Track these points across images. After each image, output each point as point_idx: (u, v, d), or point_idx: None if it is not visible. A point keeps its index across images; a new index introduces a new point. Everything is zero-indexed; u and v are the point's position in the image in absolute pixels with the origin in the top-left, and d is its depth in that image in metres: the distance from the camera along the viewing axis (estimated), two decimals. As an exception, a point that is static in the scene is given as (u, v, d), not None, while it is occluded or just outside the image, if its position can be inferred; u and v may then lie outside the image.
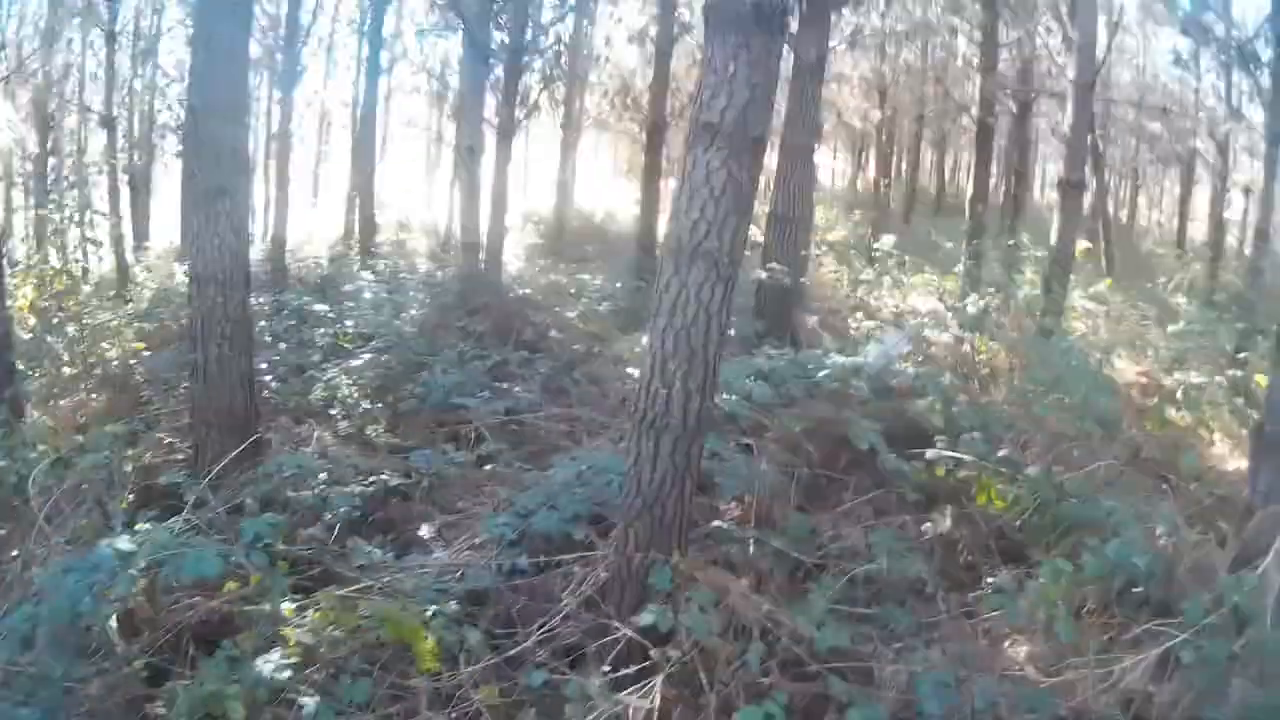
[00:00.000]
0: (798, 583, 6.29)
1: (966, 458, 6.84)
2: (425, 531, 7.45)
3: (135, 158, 20.94)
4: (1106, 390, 8.02)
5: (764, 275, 11.27)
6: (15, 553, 6.63)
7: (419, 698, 5.30)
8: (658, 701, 5.15)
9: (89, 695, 5.32)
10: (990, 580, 6.10)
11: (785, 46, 5.67)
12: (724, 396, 7.42)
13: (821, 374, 8.09)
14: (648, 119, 17.43)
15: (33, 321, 10.70)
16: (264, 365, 9.56)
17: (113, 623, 5.48)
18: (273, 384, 9.91)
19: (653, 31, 18.28)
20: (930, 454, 6.87)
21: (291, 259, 16.53)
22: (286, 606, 5.52)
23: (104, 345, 10.73)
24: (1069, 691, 5.15)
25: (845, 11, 18.53)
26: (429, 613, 5.58)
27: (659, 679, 5.23)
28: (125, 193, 20.53)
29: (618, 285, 14.49)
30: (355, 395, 9.54)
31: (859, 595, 6.05)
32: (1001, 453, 7.03)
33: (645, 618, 5.39)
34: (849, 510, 7.00)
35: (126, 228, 19.21)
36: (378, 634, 5.47)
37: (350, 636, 5.56)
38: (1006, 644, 5.83)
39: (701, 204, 5.31)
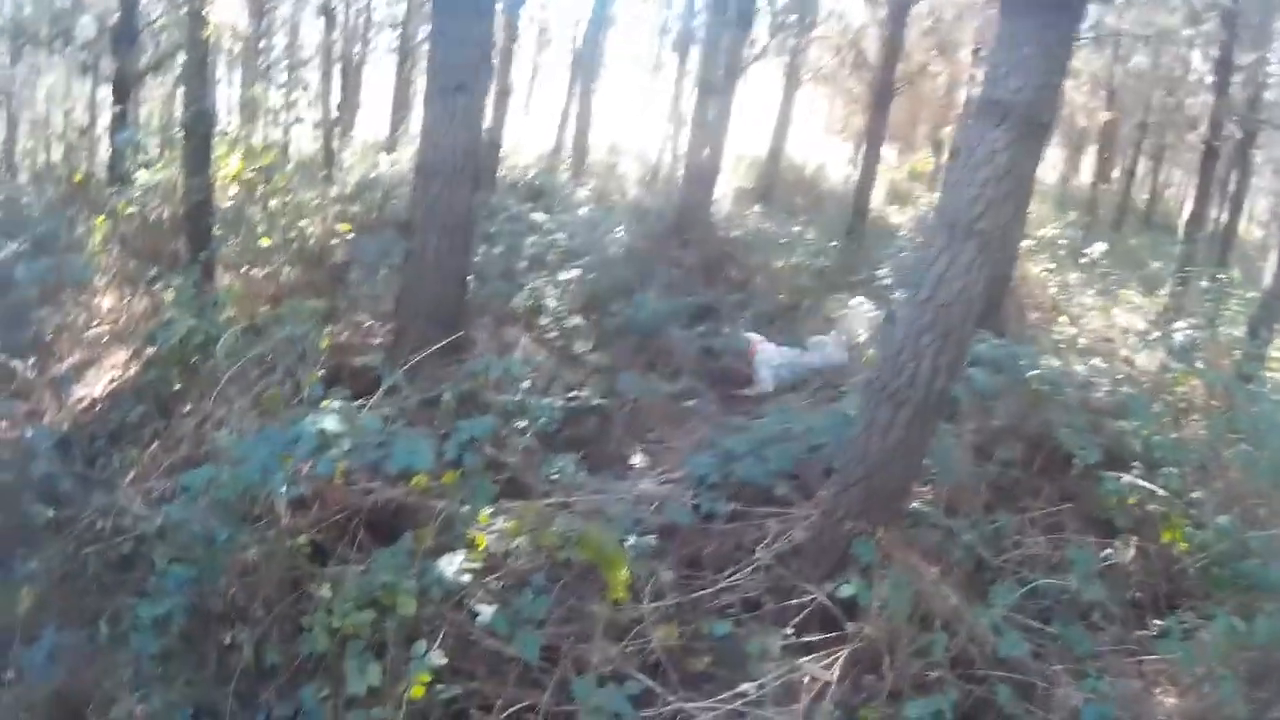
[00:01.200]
0: (979, 581, 5.95)
1: (1161, 492, 6.39)
2: (633, 458, 7.39)
3: (350, 50, 21.10)
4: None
5: None
6: (188, 407, 6.81)
7: (595, 625, 5.15)
8: (837, 674, 4.96)
9: (245, 561, 5.38)
10: (1158, 622, 5.66)
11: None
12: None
13: (1032, 373, 7.63)
14: (875, 80, 16.73)
15: (235, 190, 10.81)
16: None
17: (283, 492, 5.42)
18: (476, 284, 9.74)
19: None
20: (1126, 479, 6.42)
21: (502, 165, 16.43)
22: (483, 513, 5.40)
23: (304, 222, 10.80)
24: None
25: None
26: (627, 540, 5.42)
27: (845, 651, 5.06)
28: (337, 81, 20.69)
29: (831, 244, 13.99)
30: (563, 308, 9.39)
31: (1033, 607, 5.70)
32: (1195, 494, 6.55)
33: (846, 589, 5.22)
34: (1035, 519, 6.58)
35: (335, 114, 19.44)
36: (568, 554, 5.33)
37: (538, 551, 5.48)
38: (1158, 690, 5.43)
39: (982, 182, 5.05)
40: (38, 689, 5.10)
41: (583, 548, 5.13)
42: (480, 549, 5.27)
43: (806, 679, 4.93)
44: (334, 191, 13.00)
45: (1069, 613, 5.67)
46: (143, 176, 11.22)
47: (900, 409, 5.35)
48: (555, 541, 5.31)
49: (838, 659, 5.02)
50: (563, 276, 10.36)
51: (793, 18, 18.96)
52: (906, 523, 5.86)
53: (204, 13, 10.01)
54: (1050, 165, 29.35)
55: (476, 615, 5.00)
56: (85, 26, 13.49)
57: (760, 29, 17.53)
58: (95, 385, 8.33)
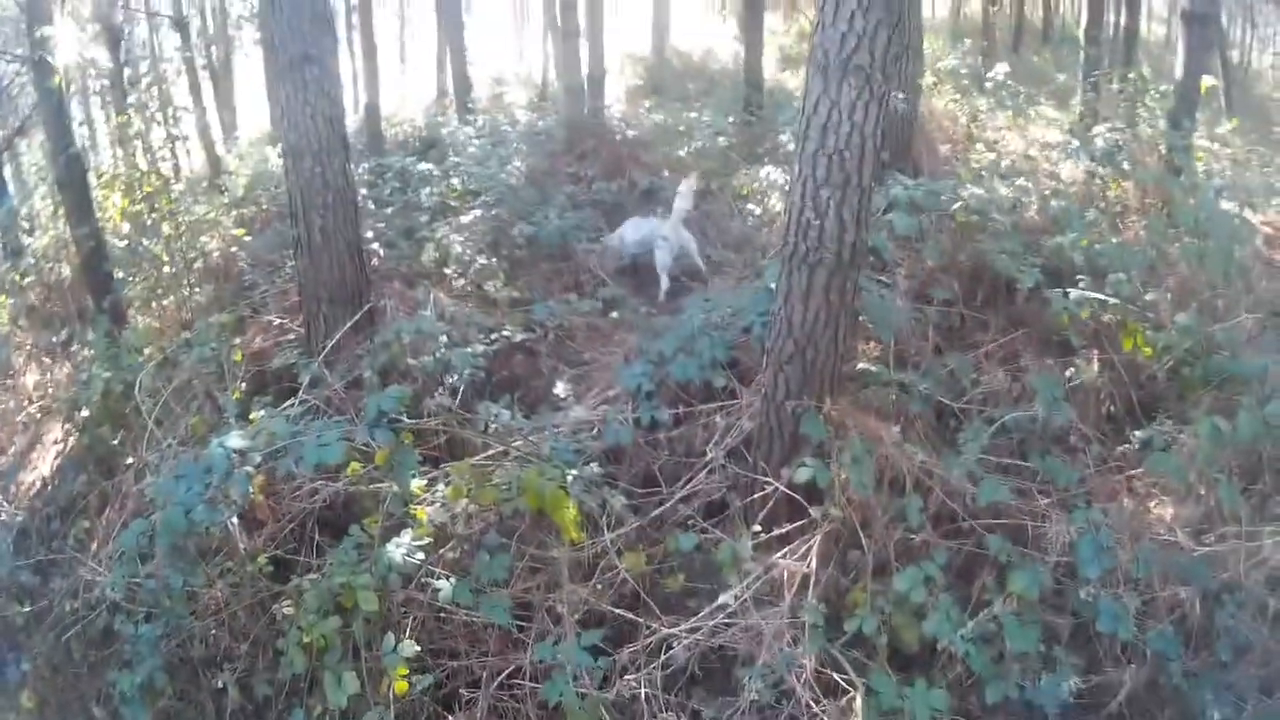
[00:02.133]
0: (944, 430, 5.84)
1: (1112, 300, 6.15)
2: (556, 388, 7.10)
3: (212, 53, 20.35)
4: (1247, 238, 7.23)
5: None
6: (129, 461, 6.51)
7: (560, 569, 4.97)
8: (814, 564, 4.77)
9: (214, 600, 5.19)
10: (1137, 434, 5.53)
11: None
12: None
13: (956, 206, 7.35)
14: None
15: (127, 229, 10.42)
16: (369, 234, 9.07)
17: (234, 521, 5.26)
18: (381, 251, 9.35)
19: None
20: (1074, 294, 6.17)
21: (387, 125, 15.88)
22: (416, 484, 5.16)
23: (203, 239, 10.40)
24: (1220, 563, 4.72)
25: None
26: (568, 478, 5.16)
27: (816, 538, 4.86)
28: (207, 89, 19.96)
29: (729, 120, 13.54)
30: (468, 252, 9.03)
31: (1004, 446, 5.58)
32: (1148, 297, 6.36)
33: (802, 473, 4.96)
34: (989, 353, 6.41)
35: (213, 119, 18.92)
36: (514, 505, 5.09)
37: (485, 510, 5.25)
38: (1153, 504, 5.35)
39: (849, 14, 4.71)
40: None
41: (525, 495, 4.88)
42: (423, 525, 5.03)
43: (786, 575, 4.74)
44: (225, 199, 12.51)
45: (1043, 444, 5.56)
46: (32, 243, 10.78)
47: (815, 271, 5.07)
48: (496, 496, 5.08)
49: (811, 547, 4.83)
50: (464, 220, 9.94)
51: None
52: (854, 387, 5.67)
53: (48, 58, 9.48)
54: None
55: (438, 592, 4.77)
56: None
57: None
58: (41, 466, 8.12)
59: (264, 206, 11.99)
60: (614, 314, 8.14)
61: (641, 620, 4.79)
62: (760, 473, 5.29)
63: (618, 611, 4.89)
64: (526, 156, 12.74)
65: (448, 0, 18.94)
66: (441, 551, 5.08)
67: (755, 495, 5.23)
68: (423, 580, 4.90)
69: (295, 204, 7.44)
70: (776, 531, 4.98)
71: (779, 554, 4.84)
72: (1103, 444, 5.68)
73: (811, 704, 4.32)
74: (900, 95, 9.79)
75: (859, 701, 4.32)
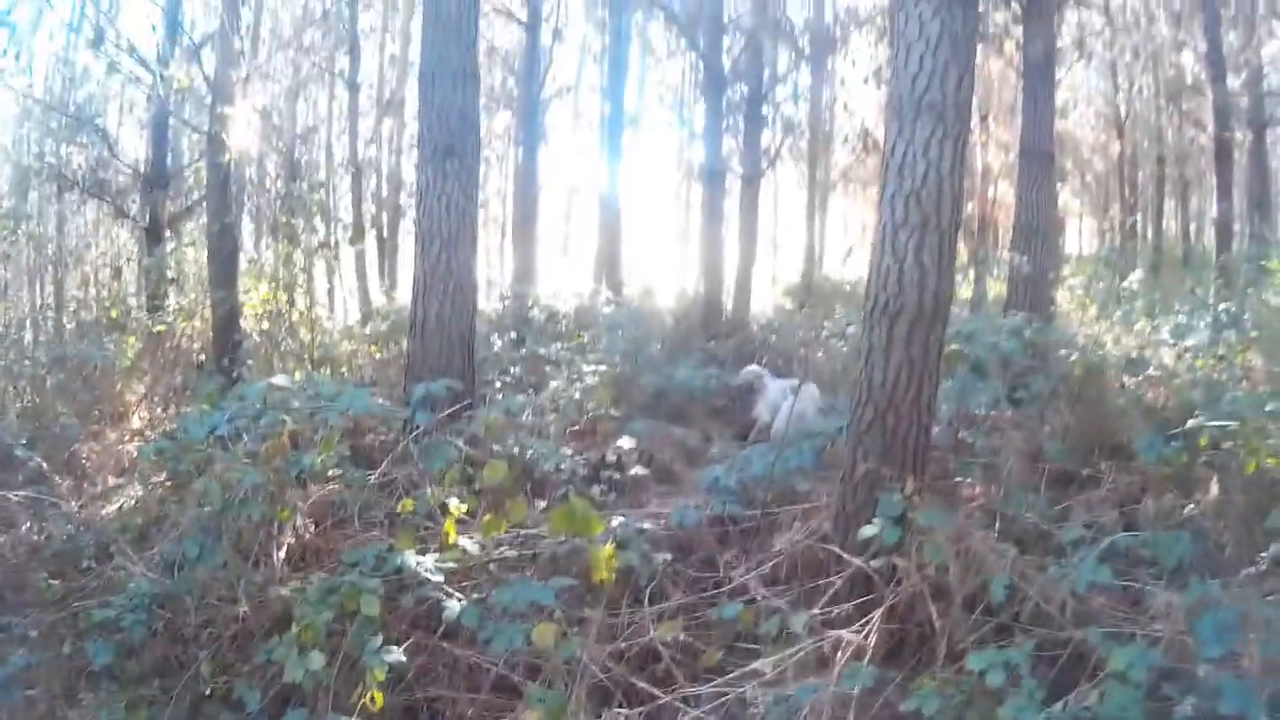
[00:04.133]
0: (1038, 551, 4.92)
1: (1231, 424, 5.31)
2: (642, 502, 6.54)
3: (381, 215, 20.82)
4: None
5: (1012, 263, 10.16)
6: None
7: (589, 627, 4.28)
8: (874, 638, 4.01)
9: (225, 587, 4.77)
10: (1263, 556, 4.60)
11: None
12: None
13: (1074, 358, 6.94)
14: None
15: (261, 315, 10.52)
16: (495, 382, 8.91)
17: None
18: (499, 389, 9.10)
19: (887, 73, 16.89)
20: (1191, 423, 5.38)
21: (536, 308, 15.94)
22: (455, 505, 4.68)
23: (331, 340, 10.37)
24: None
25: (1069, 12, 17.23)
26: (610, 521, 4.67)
27: (878, 612, 4.13)
28: (371, 250, 20.17)
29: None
30: (585, 399, 8.67)
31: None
32: (1269, 407, 5.50)
33: (867, 530, 4.39)
34: (1104, 498, 5.63)
35: (373, 276, 19.20)
36: (552, 551, 4.64)
37: (522, 557, 4.81)
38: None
39: (919, 56, 4.66)
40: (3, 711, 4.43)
41: (559, 521, 4.26)
42: (453, 545, 4.46)
43: (843, 645, 3.98)
44: (368, 329, 12.58)
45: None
46: (172, 300, 10.89)
47: (895, 322, 4.71)
48: (524, 514, 4.54)
49: (872, 621, 4.07)
50: (587, 369, 9.58)
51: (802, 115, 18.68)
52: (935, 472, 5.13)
53: (223, 135, 9.98)
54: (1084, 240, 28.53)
55: (444, 610, 4.14)
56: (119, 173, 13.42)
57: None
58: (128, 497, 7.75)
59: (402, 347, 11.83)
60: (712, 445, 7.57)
61: (663, 696, 4.03)
62: (832, 558, 4.63)
63: (639, 684, 4.13)
64: (664, 333, 12.47)
65: (608, 204, 19.28)
66: (463, 583, 4.48)
67: (820, 580, 4.56)
68: (434, 599, 4.27)
69: (418, 287, 7.42)
70: (840, 609, 4.29)
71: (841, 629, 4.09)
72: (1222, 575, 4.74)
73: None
74: (1025, 260, 9.56)
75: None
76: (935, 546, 4.15)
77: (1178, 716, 3.51)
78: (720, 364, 11.21)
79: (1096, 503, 5.48)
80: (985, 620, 4.14)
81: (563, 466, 6.40)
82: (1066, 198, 22.02)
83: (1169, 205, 25.12)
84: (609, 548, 4.30)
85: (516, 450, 6.37)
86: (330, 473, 5.14)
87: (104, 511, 7.02)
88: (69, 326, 12.06)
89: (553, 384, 8.67)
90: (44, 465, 7.48)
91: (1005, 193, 20.12)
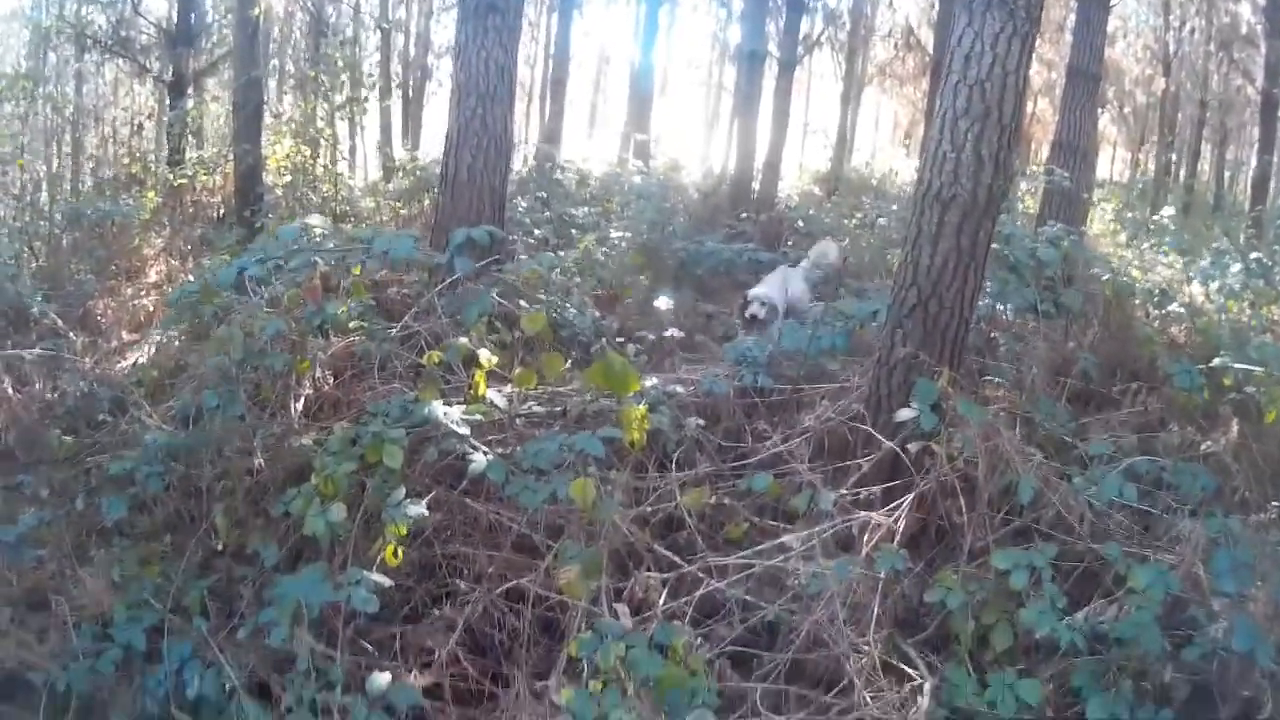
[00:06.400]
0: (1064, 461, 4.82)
1: (1256, 369, 5.30)
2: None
3: (408, 76, 20.38)
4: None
5: (1051, 177, 9.93)
6: None
7: (614, 489, 4.14)
8: (903, 524, 3.91)
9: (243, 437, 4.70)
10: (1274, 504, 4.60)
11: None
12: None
13: (1106, 278, 6.79)
14: (931, 62, 15.67)
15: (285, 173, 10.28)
16: (513, 237, 8.60)
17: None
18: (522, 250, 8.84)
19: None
20: (1217, 361, 5.35)
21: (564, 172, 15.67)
22: (486, 355, 4.50)
23: (362, 199, 10.16)
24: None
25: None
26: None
27: (909, 499, 4.02)
28: (397, 108, 19.85)
29: (893, 210, 12.87)
30: (612, 260, 8.47)
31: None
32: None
33: (905, 413, 4.24)
34: (1124, 419, 5.50)
35: (396, 135, 18.88)
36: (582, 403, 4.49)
37: (552, 412, 4.66)
38: None
39: None
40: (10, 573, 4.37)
41: (594, 376, 4.11)
42: (481, 397, 4.33)
43: (871, 527, 3.89)
44: (391, 186, 12.35)
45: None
46: (193, 154, 10.72)
47: (948, 210, 4.52)
48: (560, 368, 4.43)
49: (902, 506, 3.97)
50: (615, 234, 9.39)
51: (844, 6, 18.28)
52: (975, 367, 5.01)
53: None
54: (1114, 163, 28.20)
55: (468, 464, 4.01)
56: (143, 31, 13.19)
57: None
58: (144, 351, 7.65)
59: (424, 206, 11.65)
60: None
61: (687, 565, 3.94)
62: (861, 439, 4.49)
63: (660, 551, 4.05)
64: (691, 208, 12.23)
65: (640, 78, 18.92)
66: (488, 439, 4.33)
67: (848, 460, 4.43)
68: (458, 453, 4.13)
69: (451, 140, 7.21)
70: (866, 491, 4.17)
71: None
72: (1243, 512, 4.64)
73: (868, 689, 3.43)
74: (1062, 172, 9.48)
75: (925, 694, 3.40)
76: (969, 438, 4.04)
77: (1197, 641, 3.46)
78: (747, 240, 11.03)
79: (1116, 423, 5.38)
80: (1008, 520, 4.06)
81: (593, 325, 6.27)
82: (1104, 124, 21.67)
83: (1205, 150, 24.79)
84: (641, 408, 4.15)
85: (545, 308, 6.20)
86: (352, 324, 4.99)
87: (119, 366, 6.96)
88: (87, 185, 11.89)
89: (581, 245, 8.53)
90: (59, 322, 7.43)
91: (1044, 109, 19.81)
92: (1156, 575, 3.51)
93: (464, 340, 4.52)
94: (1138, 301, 6.98)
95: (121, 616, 3.93)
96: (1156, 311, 6.98)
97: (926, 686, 3.42)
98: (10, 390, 6.06)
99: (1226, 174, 25.41)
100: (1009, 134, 4.50)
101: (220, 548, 4.32)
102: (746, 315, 6.48)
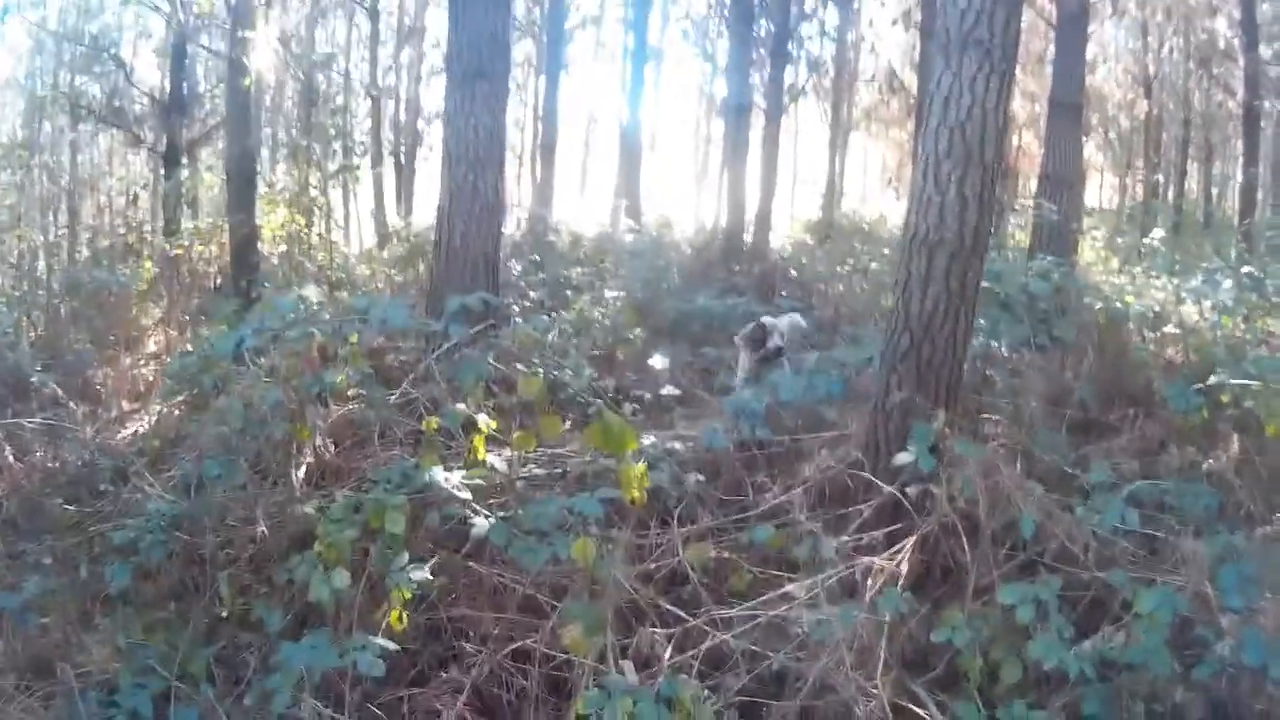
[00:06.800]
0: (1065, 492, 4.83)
1: (1254, 383, 5.27)
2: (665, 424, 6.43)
3: (400, 141, 20.61)
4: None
5: (1039, 210, 10.18)
6: None
7: (616, 547, 4.11)
8: (905, 566, 3.93)
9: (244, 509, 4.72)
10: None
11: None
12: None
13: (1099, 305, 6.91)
14: (916, 103, 15.93)
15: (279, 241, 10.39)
16: (510, 300, 8.69)
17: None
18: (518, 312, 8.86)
19: (917, 16, 16.67)
20: (1214, 379, 5.33)
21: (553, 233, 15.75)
22: (485, 420, 4.57)
23: (357, 267, 10.25)
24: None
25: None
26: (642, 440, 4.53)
27: (910, 541, 4.04)
28: (391, 174, 20.09)
29: (884, 254, 12.93)
30: (608, 319, 8.51)
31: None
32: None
33: (903, 456, 4.27)
34: (1123, 446, 5.57)
35: (390, 203, 19.09)
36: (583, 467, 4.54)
37: (552, 475, 4.73)
38: None
39: None
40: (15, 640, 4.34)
41: (593, 437, 4.13)
42: (481, 462, 4.36)
43: (873, 572, 3.89)
44: (386, 254, 12.44)
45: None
46: (188, 224, 10.80)
47: (935, 254, 4.63)
48: (559, 430, 4.45)
49: (904, 550, 3.98)
50: (609, 295, 9.43)
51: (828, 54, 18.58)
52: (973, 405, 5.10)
53: (244, 59, 9.85)
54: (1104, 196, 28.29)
55: (472, 527, 4.03)
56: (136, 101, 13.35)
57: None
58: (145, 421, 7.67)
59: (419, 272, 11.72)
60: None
61: (692, 619, 3.91)
62: (861, 485, 4.53)
63: (665, 606, 4.03)
64: (684, 263, 12.35)
65: (629, 136, 19.12)
66: (489, 502, 4.36)
67: (849, 507, 4.45)
68: (459, 517, 4.17)
69: (443, 207, 7.33)
70: (868, 537, 4.19)
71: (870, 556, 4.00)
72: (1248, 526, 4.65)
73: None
74: (1050, 205, 9.57)
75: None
76: (968, 478, 4.07)
77: (1207, 660, 3.47)
78: (741, 293, 11.05)
79: (1116, 450, 5.42)
80: (1011, 556, 4.09)
81: (590, 386, 6.33)
82: (1090, 151, 21.85)
83: (1192, 168, 25.01)
84: (641, 466, 4.17)
85: (542, 370, 6.22)
86: (351, 392, 5.03)
87: (120, 436, 6.97)
88: (84, 254, 11.99)
89: (576, 306, 8.56)
90: (59, 392, 7.41)
91: (1029, 142, 19.98)
92: (1163, 597, 3.53)
93: (461, 406, 4.56)
94: (1132, 326, 7.04)
95: (127, 683, 3.91)
96: (1151, 335, 7.03)
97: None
98: (11, 459, 6.08)
99: (1214, 190, 25.69)
100: (992, 174, 4.61)
101: (225, 615, 4.31)
102: (769, 346, 6.44)
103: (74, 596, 4.56)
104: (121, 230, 11.92)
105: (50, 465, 6.14)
